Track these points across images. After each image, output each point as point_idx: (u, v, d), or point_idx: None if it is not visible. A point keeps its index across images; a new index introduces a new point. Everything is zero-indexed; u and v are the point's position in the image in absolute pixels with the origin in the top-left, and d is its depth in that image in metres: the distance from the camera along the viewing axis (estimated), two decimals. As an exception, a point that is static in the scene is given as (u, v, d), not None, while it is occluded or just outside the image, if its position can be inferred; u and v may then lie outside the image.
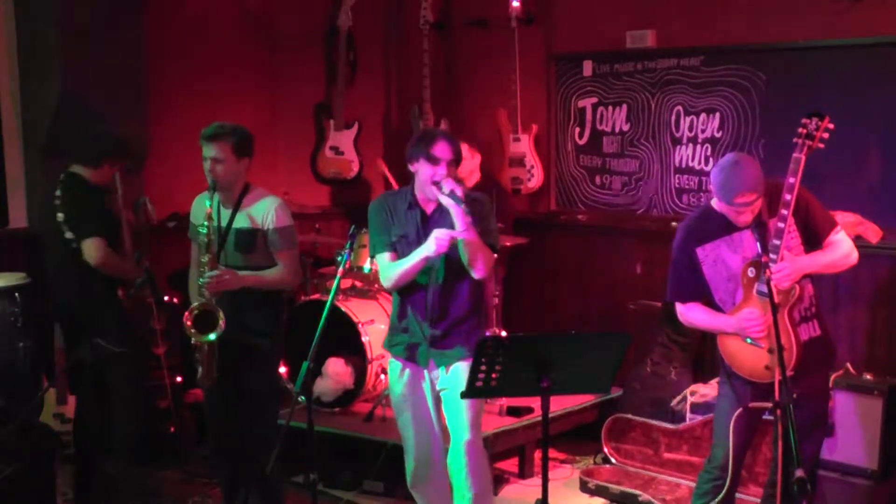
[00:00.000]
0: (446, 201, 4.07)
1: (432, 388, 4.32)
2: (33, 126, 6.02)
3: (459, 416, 4.25)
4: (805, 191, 3.99)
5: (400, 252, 4.22)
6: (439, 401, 4.33)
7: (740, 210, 3.92)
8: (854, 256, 4.06)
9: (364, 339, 5.78)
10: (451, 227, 4.09)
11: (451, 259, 4.15)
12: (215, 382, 4.53)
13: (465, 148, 6.38)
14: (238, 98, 6.71)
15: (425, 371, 4.31)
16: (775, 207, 3.95)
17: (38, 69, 5.98)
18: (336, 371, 5.72)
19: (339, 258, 3.94)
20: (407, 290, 4.26)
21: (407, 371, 4.33)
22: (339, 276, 3.93)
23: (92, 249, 5.01)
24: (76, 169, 5.14)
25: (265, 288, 4.53)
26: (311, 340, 3.75)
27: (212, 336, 4.41)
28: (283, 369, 5.75)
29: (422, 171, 4.16)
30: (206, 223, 4.40)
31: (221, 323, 4.39)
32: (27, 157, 6.06)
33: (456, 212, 4.03)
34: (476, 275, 4.16)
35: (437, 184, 4.09)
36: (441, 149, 4.12)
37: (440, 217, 4.18)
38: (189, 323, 4.41)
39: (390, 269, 4.21)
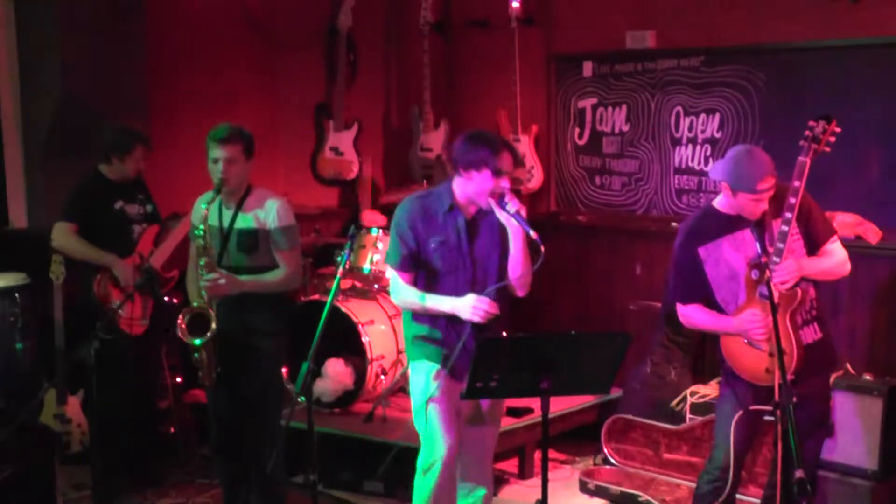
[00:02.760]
0: (505, 218, 3.94)
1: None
2: (33, 126, 6.02)
3: (485, 464, 4.27)
4: (808, 196, 4.01)
5: (438, 258, 4.04)
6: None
7: (761, 197, 3.92)
8: (848, 267, 4.09)
9: (364, 339, 5.78)
10: (493, 235, 4.03)
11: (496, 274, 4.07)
12: (217, 382, 4.52)
13: None
14: (238, 98, 6.71)
15: (456, 384, 4.08)
16: (778, 209, 3.96)
17: (39, 68, 5.98)
18: (336, 371, 5.72)
19: (339, 259, 3.93)
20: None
21: (443, 375, 4.10)
22: (339, 276, 3.93)
23: (55, 231, 5.20)
24: (99, 166, 5.29)
25: (266, 291, 4.53)
26: (310, 341, 3.75)
27: (197, 341, 4.41)
28: (283, 370, 5.75)
29: (481, 181, 3.94)
30: (201, 226, 4.41)
31: (213, 327, 4.40)
32: (27, 157, 6.05)
33: (515, 231, 3.95)
34: (519, 293, 4.12)
35: (498, 197, 3.94)
36: (507, 161, 3.95)
37: (483, 224, 4.06)
38: (183, 325, 4.42)
39: (406, 293, 4.09)
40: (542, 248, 3.86)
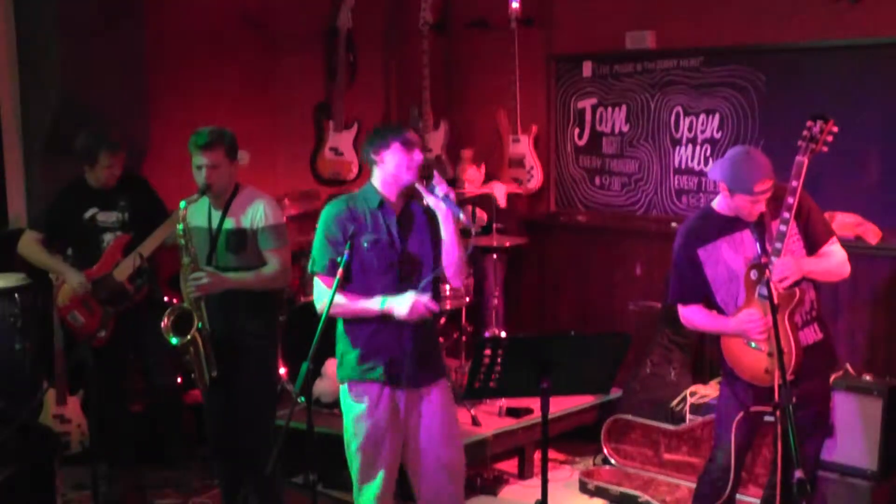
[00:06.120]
0: (434, 203, 3.86)
1: (405, 418, 4.03)
2: (33, 126, 6.02)
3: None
4: (807, 196, 4.01)
5: (371, 258, 3.91)
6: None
7: (758, 199, 3.92)
8: (847, 269, 4.08)
9: (364, 339, 5.76)
10: (425, 229, 3.95)
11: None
12: (211, 384, 4.53)
13: (473, 170, 6.64)
14: (238, 98, 6.71)
15: (403, 395, 4.00)
16: (777, 210, 3.96)
17: (38, 69, 5.98)
18: (336, 372, 5.71)
19: (339, 259, 3.92)
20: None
21: (385, 395, 3.99)
22: (338, 277, 3.92)
23: (21, 239, 5.36)
24: (85, 172, 5.33)
25: (254, 289, 4.54)
26: (310, 341, 3.75)
27: (174, 340, 4.42)
28: (282, 370, 5.76)
29: (394, 157, 3.89)
30: (180, 225, 4.42)
31: (192, 330, 4.41)
32: (27, 158, 6.05)
33: (444, 216, 3.85)
34: (453, 283, 4.01)
35: (426, 182, 3.88)
36: (412, 134, 3.92)
37: (414, 218, 3.97)
38: (168, 323, 4.44)
39: (333, 298, 3.82)
40: (472, 231, 3.90)
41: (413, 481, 4.12)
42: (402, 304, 3.83)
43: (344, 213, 3.95)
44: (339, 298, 3.86)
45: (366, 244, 3.91)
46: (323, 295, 3.91)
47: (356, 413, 4.05)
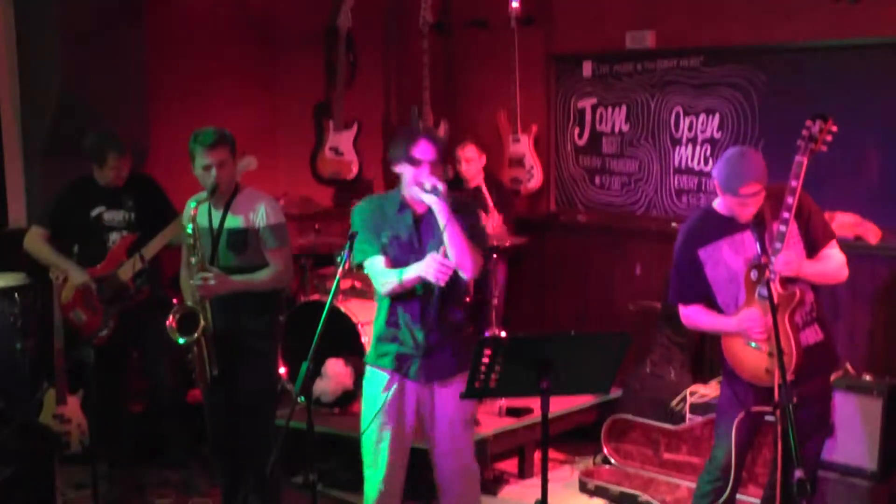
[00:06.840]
0: (429, 199, 3.90)
1: (417, 409, 4.11)
2: (33, 126, 6.02)
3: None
4: (808, 197, 4.00)
5: (392, 254, 4.03)
6: (420, 423, 4.16)
7: (745, 202, 3.92)
8: (845, 272, 4.07)
9: (363, 339, 5.77)
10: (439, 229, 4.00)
11: None
12: (211, 383, 4.53)
13: (473, 149, 6.47)
14: (238, 98, 6.72)
15: (414, 386, 4.08)
16: (777, 210, 3.95)
17: (38, 70, 5.98)
18: (336, 372, 5.72)
19: (339, 259, 3.92)
20: (401, 296, 4.04)
21: (395, 384, 4.07)
22: (338, 276, 3.92)
23: (27, 235, 5.40)
24: (94, 171, 5.36)
25: (258, 290, 4.54)
26: (310, 341, 3.75)
27: (181, 340, 4.43)
28: (282, 370, 5.76)
29: (406, 174, 3.98)
30: (190, 225, 4.42)
31: (199, 329, 4.42)
32: (27, 158, 6.06)
33: (440, 207, 3.88)
34: (465, 275, 3.96)
35: (419, 184, 3.93)
36: (422, 150, 3.94)
37: (431, 217, 4.00)
38: (173, 323, 4.44)
39: (386, 274, 4.01)
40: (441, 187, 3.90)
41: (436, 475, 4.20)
42: (420, 265, 3.92)
43: (372, 207, 4.11)
44: (391, 274, 3.98)
45: (385, 239, 4.04)
46: (379, 272, 4.03)
47: (367, 397, 4.15)
